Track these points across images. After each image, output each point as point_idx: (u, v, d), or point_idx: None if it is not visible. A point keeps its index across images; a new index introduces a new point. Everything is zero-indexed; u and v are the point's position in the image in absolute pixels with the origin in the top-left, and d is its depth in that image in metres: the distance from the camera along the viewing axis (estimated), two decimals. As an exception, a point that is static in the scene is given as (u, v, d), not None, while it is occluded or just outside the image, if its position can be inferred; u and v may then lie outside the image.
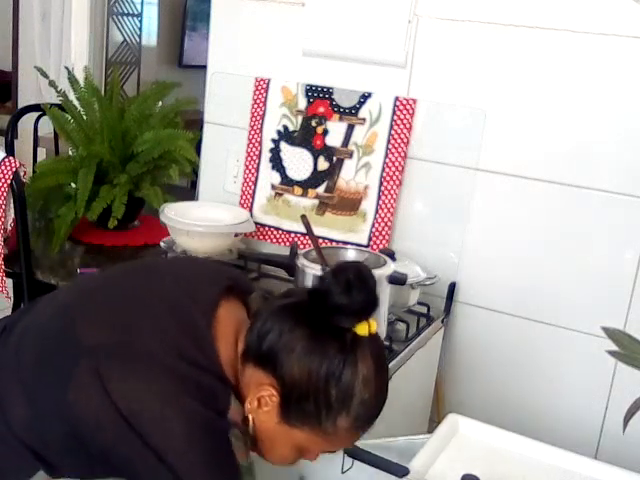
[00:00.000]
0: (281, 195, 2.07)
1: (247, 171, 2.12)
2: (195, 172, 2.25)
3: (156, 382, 0.96)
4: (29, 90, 3.47)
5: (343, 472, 1.43)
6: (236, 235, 1.97)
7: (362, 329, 0.98)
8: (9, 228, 1.89)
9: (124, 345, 1.00)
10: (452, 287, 1.92)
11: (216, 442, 0.97)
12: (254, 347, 1.02)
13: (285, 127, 2.05)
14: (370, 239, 1.96)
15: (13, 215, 1.87)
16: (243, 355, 1.03)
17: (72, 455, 1.02)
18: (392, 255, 1.70)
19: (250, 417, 1.03)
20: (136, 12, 3.74)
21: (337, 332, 0.98)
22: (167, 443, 0.95)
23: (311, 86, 2.01)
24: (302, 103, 2.02)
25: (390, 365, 1.58)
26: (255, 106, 2.09)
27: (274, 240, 2.09)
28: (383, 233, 1.95)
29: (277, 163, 2.07)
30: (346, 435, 1.02)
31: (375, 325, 1.00)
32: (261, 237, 2.11)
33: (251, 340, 1.02)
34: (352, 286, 0.96)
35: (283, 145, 2.05)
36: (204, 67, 2.19)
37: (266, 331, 1.01)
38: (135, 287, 1.11)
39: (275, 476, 1.25)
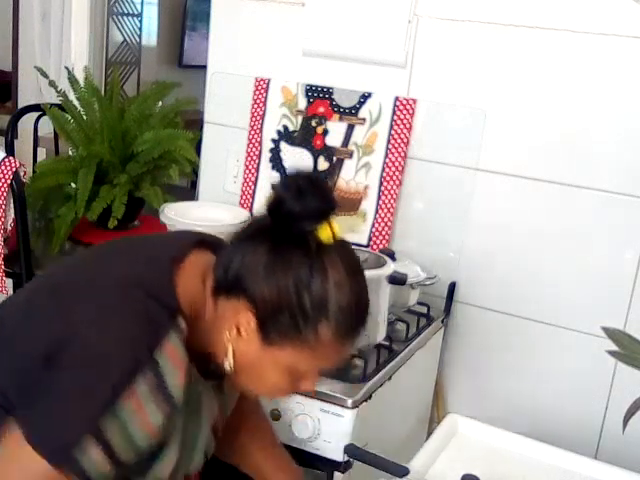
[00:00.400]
0: (281, 195, 2.07)
1: (247, 171, 2.12)
2: (195, 172, 2.24)
3: (101, 298, 0.97)
4: (29, 90, 3.46)
5: (343, 472, 1.43)
6: (236, 235, 1.96)
7: (324, 234, 0.95)
8: (9, 228, 1.89)
9: (85, 277, 1.03)
10: (452, 287, 1.92)
11: (125, 374, 0.91)
12: (222, 279, 0.99)
13: (285, 127, 2.05)
14: (370, 239, 1.96)
15: (13, 215, 1.87)
16: (213, 291, 1.01)
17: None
18: (392, 255, 1.69)
19: (230, 349, 1.00)
20: (136, 12, 3.74)
21: (299, 241, 0.95)
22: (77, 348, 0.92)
23: (311, 86, 2.01)
24: (302, 103, 2.02)
25: (390, 365, 1.58)
26: (255, 106, 2.08)
27: (274, 240, 2.09)
28: (383, 233, 1.95)
29: (277, 163, 2.07)
30: (332, 346, 0.98)
31: (339, 229, 0.97)
32: (261, 237, 2.10)
33: (218, 273, 1.00)
34: (304, 191, 0.93)
35: (283, 145, 2.05)
36: (204, 67, 2.19)
37: (230, 259, 0.98)
38: (111, 245, 1.16)
39: None
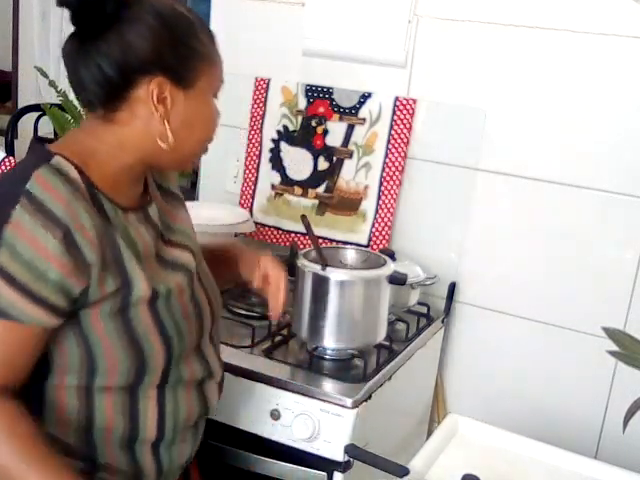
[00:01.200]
0: (281, 195, 2.07)
1: (247, 171, 2.12)
2: (195, 172, 2.24)
3: None
4: (29, 90, 3.46)
5: (343, 472, 1.43)
6: (236, 235, 1.96)
7: None
8: (9, 228, 1.88)
9: None
10: (452, 287, 1.92)
11: (3, 209, 0.96)
12: (107, 92, 1.00)
13: (285, 127, 2.05)
14: (370, 239, 1.96)
15: (13, 215, 1.87)
16: (106, 115, 1.02)
17: None
18: (392, 255, 1.70)
19: (166, 124, 1.02)
20: (136, 12, 3.74)
21: (116, 3, 0.98)
22: None
23: (311, 86, 2.01)
24: (302, 103, 2.02)
25: (390, 365, 1.58)
26: (255, 106, 2.09)
27: (274, 240, 2.09)
28: (383, 233, 1.95)
29: (277, 163, 2.07)
30: (213, 47, 1.07)
31: None
32: (261, 237, 2.11)
33: (96, 97, 1.01)
34: None
35: (283, 145, 2.05)
36: (204, 67, 2.19)
37: (99, 74, 0.99)
38: None
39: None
